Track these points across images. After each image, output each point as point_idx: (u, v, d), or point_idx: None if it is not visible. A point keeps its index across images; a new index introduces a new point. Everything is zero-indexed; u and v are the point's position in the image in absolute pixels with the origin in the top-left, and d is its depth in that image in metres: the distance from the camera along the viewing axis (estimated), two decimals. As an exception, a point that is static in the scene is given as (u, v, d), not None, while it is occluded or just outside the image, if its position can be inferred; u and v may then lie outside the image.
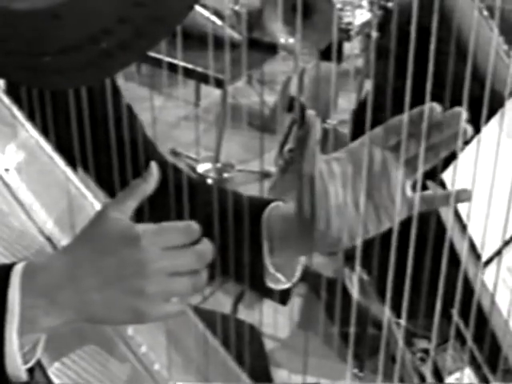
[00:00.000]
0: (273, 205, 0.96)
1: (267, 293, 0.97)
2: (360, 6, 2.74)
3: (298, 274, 0.97)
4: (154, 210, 0.81)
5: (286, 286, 0.97)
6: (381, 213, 0.89)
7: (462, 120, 0.84)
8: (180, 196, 0.86)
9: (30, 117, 0.86)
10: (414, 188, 0.89)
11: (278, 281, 0.96)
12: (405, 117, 0.85)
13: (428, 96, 0.83)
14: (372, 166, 0.88)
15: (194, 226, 0.77)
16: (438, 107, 0.84)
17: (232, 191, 0.98)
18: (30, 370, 0.77)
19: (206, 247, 0.77)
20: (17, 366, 0.74)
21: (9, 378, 0.74)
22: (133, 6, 0.68)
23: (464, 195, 0.88)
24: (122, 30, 0.68)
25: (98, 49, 0.69)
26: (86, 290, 0.74)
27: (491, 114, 1.05)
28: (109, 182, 0.88)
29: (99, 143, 0.84)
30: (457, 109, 0.84)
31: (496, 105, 1.02)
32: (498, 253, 1.28)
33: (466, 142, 0.88)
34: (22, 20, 0.69)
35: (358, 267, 0.97)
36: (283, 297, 0.98)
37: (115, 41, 0.69)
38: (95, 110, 0.83)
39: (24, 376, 0.75)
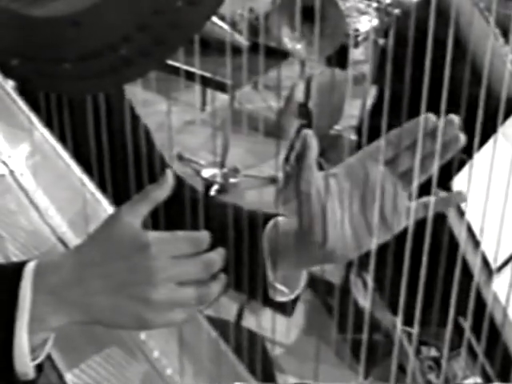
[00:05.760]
0: (274, 220, 0.96)
1: (271, 305, 0.97)
2: (367, 13, 2.74)
3: (301, 285, 0.98)
4: (158, 224, 0.81)
5: (290, 297, 0.97)
6: (379, 226, 0.89)
7: (455, 127, 0.84)
8: (183, 211, 0.87)
9: (47, 123, 0.86)
10: (409, 198, 0.90)
11: (282, 293, 0.96)
12: (400, 130, 0.86)
13: (425, 101, 0.83)
14: (369, 181, 0.88)
15: (204, 235, 0.77)
16: (432, 117, 0.85)
17: (233, 205, 0.98)
18: (39, 368, 0.77)
19: (215, 256, 0.77)
20: (25, 362, 0.74)
21: (16, 375, 0.74)
22: (152, 14, 0.68)
23: (459, 197, 0.90)
24: (141, 38, 0.69)
25: (118, 56, 0.70)
26: (93, 292, 0.74)
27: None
28: (120, 189, 0.88)
29: (112, 153, 0.85)
30: (450, 116, 0.85)
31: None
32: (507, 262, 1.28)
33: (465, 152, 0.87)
34: (42, 27, 0.70)
35: (364, 273, 0.97)
36: (288, 308, 0.98)
37: (134, 48, 0.70)
38: (111, 120, 0.83)
39: (32, 373, 0.75)
